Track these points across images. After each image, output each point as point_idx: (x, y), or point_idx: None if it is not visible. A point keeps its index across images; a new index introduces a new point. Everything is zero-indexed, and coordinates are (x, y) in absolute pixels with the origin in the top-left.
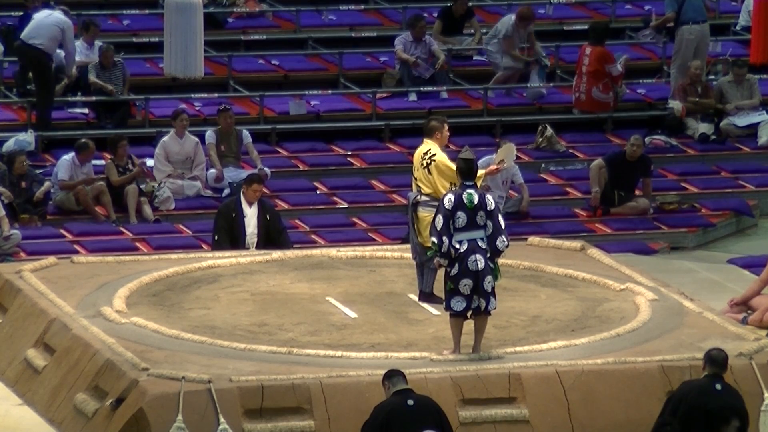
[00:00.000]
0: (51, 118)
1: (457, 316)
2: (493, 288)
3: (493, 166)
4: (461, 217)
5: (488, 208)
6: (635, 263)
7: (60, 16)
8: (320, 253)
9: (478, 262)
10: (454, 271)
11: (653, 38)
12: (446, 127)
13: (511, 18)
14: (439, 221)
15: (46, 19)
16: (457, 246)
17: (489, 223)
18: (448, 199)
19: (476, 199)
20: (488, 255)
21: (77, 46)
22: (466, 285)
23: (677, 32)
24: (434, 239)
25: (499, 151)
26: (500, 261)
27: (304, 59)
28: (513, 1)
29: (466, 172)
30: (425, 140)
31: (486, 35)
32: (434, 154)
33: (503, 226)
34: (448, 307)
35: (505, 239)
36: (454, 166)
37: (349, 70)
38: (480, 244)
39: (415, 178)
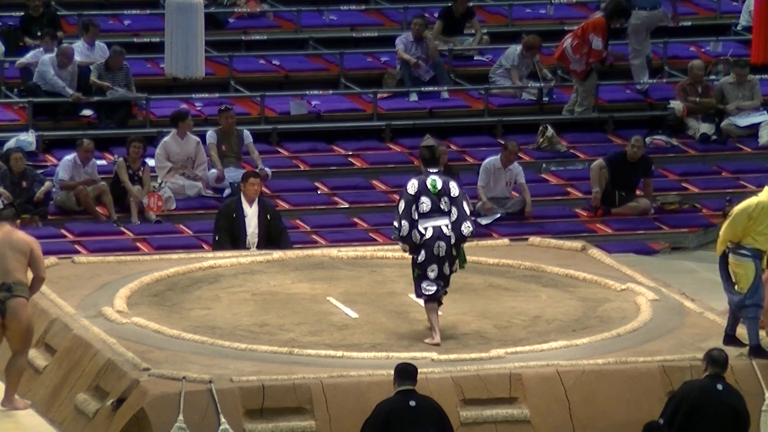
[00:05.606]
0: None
1: (432, 300)
2: (451, 273)
3: None
4: (425, 203)
5: (452, 194)
6: (636, 263)
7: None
8: (321, 253)
9: (441, 249)
10: (421, 257)
11: None
12: None
13: (516, 49)
14: (401, 206)
15: None
16: (423, 232)
17: (453, 209)
18: (412, 184)
19: (440, 184)
20: (453, 241)
21: (78, 46)
22: (432, 270)
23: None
24: (395, 223)
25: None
26: (501, 261)
27: (305, 59)
28: (513, 1)
29: (429, 159)
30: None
31: (493, 66)
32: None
33: (468, 213)
34: (420, 294)
35: (470, 225)
36: (739, 216)
37: (350, 70)
38: (445, 231)
39: None
